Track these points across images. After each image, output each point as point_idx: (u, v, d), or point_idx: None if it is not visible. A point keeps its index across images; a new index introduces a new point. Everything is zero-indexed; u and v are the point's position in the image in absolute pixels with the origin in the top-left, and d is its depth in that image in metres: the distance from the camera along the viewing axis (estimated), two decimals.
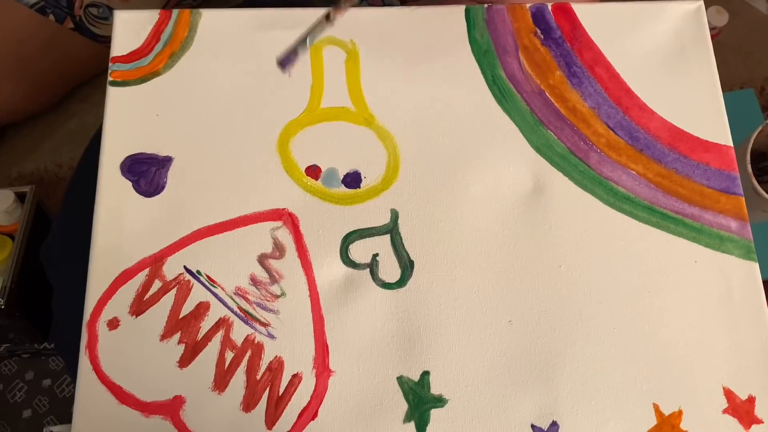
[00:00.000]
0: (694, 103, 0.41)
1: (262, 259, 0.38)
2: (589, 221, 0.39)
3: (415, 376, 0.36)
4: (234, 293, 0.37)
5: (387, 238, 0.38)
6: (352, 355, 0.36)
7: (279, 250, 0.38)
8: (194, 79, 0.42)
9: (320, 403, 0.35)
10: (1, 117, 0.83)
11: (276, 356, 0.36)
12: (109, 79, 0.42)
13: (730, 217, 0.38)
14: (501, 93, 0.41)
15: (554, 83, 0.41)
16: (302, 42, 0.38)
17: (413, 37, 0.42)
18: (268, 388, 0.35)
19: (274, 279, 0.37)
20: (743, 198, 0.39)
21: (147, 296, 0.37)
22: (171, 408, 0.35)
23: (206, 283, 0.37)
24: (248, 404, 0.35)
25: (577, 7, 0.42)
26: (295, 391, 0.35)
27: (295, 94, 0.42)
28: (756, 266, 0.37)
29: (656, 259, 0.38)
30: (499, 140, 0.40)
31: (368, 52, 0.42)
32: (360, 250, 0.38)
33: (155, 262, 0.38)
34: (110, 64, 0.42)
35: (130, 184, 0.39)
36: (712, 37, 0.44)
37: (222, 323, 0.37)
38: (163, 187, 0.39)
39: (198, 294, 0.37)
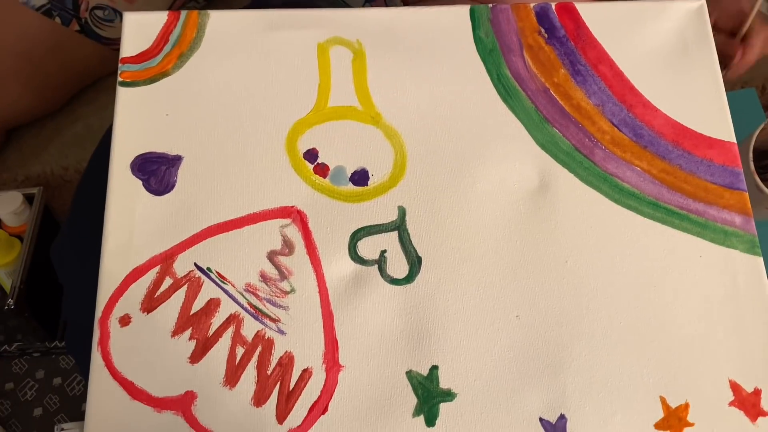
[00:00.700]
0: (697, 100, 0.41)
1: (271, 256, 0.38)
2: (595, 217, 0.39)
3: (424, 371, 0.36)
4: (244, 290, 0.38)
5: (395, 234, 0.39)
6: (361, 350, 0.37)
7: (288, 247, 0.38)
8: (203, 79, 0.42)
9: (330, 398, 0.36)
10: (9, 119, 0.83)
11: (286, 351, 0.36)
12: (119, 79, 0.42)
13: (734, 212, 0.39)
14: (506, 91, 0.42)
15: (559, 81, 0.42)
16: None
17: (419, 37, 0.43)
18: (278, 383, 0.36)
19: (283, 275, 0.38)
20: (747, 193, 0.39)
21: (158, 293, 0.38)
22: (183, 403, 0.36)
23: (217, 280, 0.38)
24: (259, 399, 0.36)
25: (580, 7, 0.43)
26: (305, 385, 0.36)
27: (303, 94, 0.42)
28: (760, 260, 0.38)
29: (661, 254, 0.38)
30: (504, 138, 0.41)
31: (374, 51, 0.43)
32: (368, 247, 0.39)
33: (166, 259, 0.38)
34: (120, 65, 0.42)
35: (140, 182, 0.40)
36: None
37: (232, 319, 0.37)
38: (173, 186, 0.40)
39: (208, 291, 0.38)
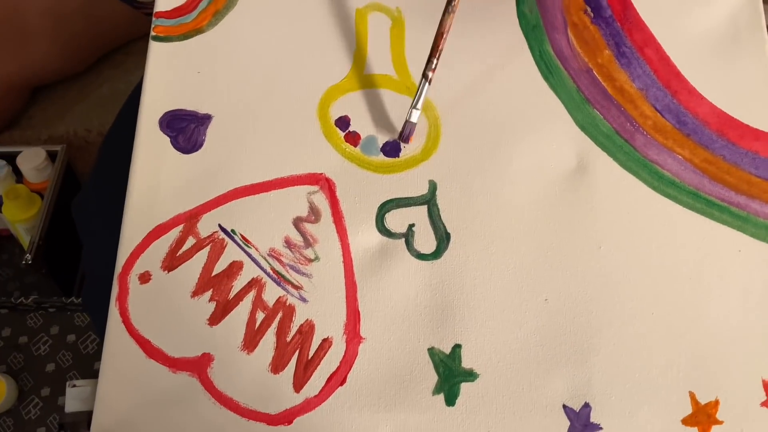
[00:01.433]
0: (745, 89, 0.40)
1: (297, 222, 0.37)
2: (632, 204, 0.38)
3: (447, 349, 0.35)
4: (268, 254, 0.37)
5: (424, 209, 0.38)
6: (383, 323, 0.36)
7: (315, 214, 0.38)
8: (237, 38, 0.41)
9: (349, 369, 0.35)
10: (35, 76, 0.83)
11: (307, 319, 0.36)
12: (152, 33, 0.41)
13: None
14: (548, 69, 0.40)
15: (602, 62, 0.41)
16: (413, 110, 0.38)
17: (461, 8, 0.41)
18: (297, 351, 0.35)
19: (308, 243, 0.37)
20: None
21: (180, 252, 0.37)
22: (199, 365, 0.35)
23: (240, 243, 0.37)
24: (277, 366, 0.35)
25: None
26: (324, 355, 0.35)
27: (338, 60, 0.41)
28: None
29: (699, 246, 0.37)
30: (543, 117, 0.39)
31: (414, 20, 0.42)
32: (396, 220, 0.38)
33: (190, 218, 0.37)
34: (153, 19, 0.42)
35: (168, 139, 0.39)
36: None
37: (254, 283, 0.36)
38: (201, 145, 0.39)
39: (231, 253, 0.37)
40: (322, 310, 0.36)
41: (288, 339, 0.35)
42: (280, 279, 0.36)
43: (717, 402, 0.34)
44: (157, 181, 0.38)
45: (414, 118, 0.38)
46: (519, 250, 0.37)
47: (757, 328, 0.35)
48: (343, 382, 0.35)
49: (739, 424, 0.34)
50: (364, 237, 0.37)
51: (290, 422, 0.34)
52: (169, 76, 0.40)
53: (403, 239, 0.37)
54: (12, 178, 0.78)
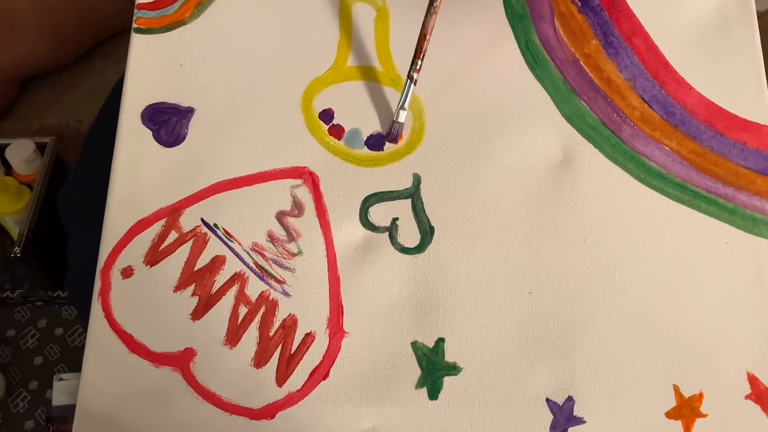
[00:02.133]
0: (734, 79, 0.39)
1: (280, 217, 0.37)
2: (618, 196, 0.37)
3: (430, 343, 0.35)
4: (251, 249, 0.36)
5: (408, 202, 0.38)
6: (366, 317, 0.35)
7: (298, 208, 0.37)
8: (220, 30, 0.41)
9: (332, 364, 0.35)
10: (25, 67, 0.82)
11: (290, 314, 0.35)
12: (134, 26, 0.41)
13: (765, 200, 0.37)
14: (534, 59, 0.40)
15: (590, 52, 0.40)
16: (400, 110, 0.37)
17: None
18: (280, 346, 0.35)
19: (291, 237, 0.37)
20: None
21: (162, 246, 0.37)
22: (181, 360, 0.35)
23: (223, 237, 0.37)
24: (259, 360, 0.35)
25: None
26: (307, 349, 0.35)
27: (322, 51, 0.41)
28: None
29: (685, 238, 0.37)
30: (529, 108, 0.39)
31: (399, 11, 0.41)
32: (380, 213, 0.37)
33: (172, 212, 0.37)
34: (135, 11, 0.41)
35: (150, 133, 0.39)
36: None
37: (237, 278, 0.36)
38: (183, 138, 0.39)
39: (214, 247, 0.37)
40: (305, 304, 0.36)
41: (271, 333, 0.35)
42: (263, 273, 0.36)
43: (701, 395, 0.34)
44: (139, 175, 0.38)
45: (401, 119, 0.38)
46: (503, 244, 0.37)
47: (742, 321, 0.35)
48: (326, 376, 0.35)
49: (724, 418, 0.34)
50: (348, 231, 0.37)
51: (273, 416, 0.34)
52: (151, 68, 0.40)
53: (387, 233, 0.37)
54: (1, 170, 0.77)
